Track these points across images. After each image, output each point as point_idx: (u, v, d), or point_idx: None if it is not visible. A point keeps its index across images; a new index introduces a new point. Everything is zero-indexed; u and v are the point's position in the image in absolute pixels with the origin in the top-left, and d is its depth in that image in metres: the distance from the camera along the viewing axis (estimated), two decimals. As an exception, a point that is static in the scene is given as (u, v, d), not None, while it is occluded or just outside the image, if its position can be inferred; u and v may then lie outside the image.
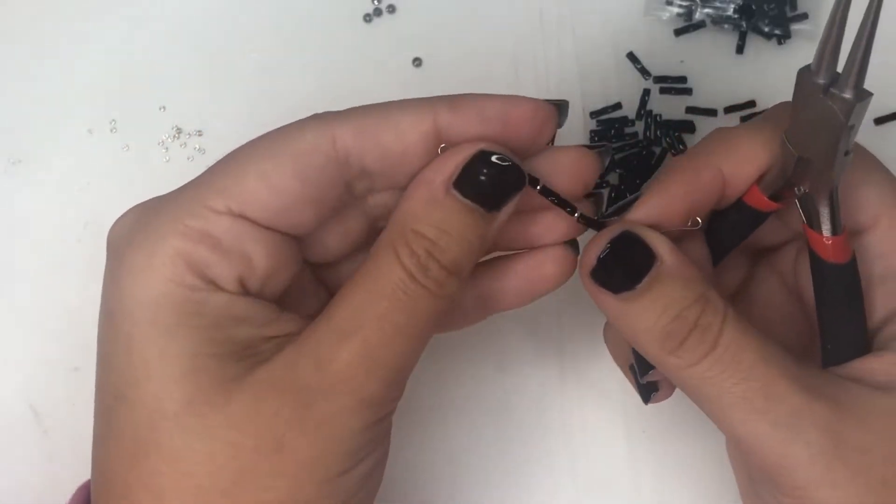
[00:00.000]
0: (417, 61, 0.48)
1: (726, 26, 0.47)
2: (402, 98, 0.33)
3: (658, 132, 0.46)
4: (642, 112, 0.47)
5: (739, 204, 0.34)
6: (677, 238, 0.32)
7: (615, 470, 0.42)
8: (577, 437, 0.43)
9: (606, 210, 0.34)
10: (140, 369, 0.29)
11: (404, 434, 0.43)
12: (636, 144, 0.46)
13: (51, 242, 0.46)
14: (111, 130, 0.48)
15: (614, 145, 0.46)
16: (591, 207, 0.34)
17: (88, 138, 0.48)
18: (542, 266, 0.34)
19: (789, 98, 0.34)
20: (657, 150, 0.46)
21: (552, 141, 0.33)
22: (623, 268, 0.31)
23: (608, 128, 0.46)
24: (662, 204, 0.33)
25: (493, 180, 0.31)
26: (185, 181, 0.32)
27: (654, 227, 0.32)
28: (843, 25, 0.28)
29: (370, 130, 0.31)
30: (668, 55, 0.48)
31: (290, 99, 0.46)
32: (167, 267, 0.29)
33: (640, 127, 0.47)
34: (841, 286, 0.33)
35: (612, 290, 0.31)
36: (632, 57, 0.47)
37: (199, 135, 0.47)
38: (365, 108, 0.32)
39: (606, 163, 0.34)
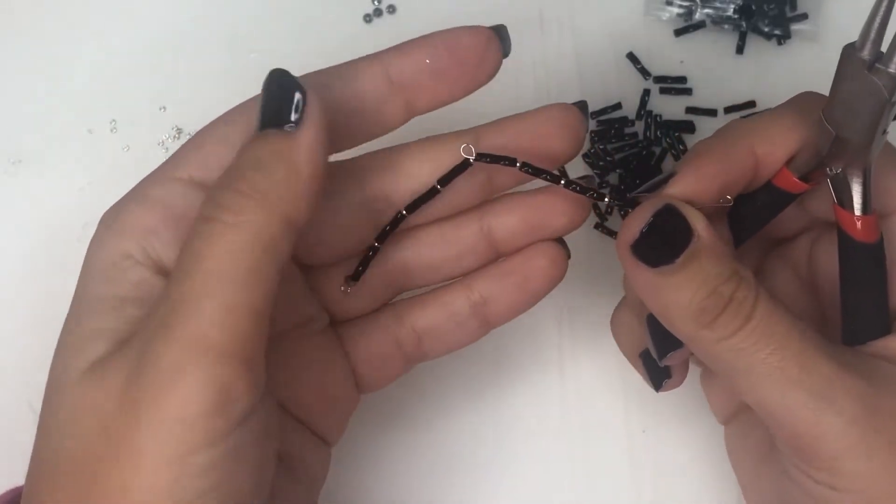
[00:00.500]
0: (417, 61, 0.48)
1: (726, 26, 0.47)
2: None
3: (658, 132, 0.46)
4: (642, 112, 0.47)
5: (768, 185, 0.34)
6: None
7: (615, 470, 0.42)
8: (577, 437, 0.43)
9: (635, 191, 0.35)
10: (61, 341, 0.30)
11: (402, 435, 0.43)
12: (636, 144, 0.46)
13: (51, 242, 0.46)
14: (111, 130, 0.48)
15: (614, 145, 0.46)
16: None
17: (88, 138, 0.48)
18: (533, 259, 0.35)
19: (789, 98, 0.34)
20: (657, 150, 0.46)
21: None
22: (663, 242, 0.31)
23: (608, 128, 0.46)
24: (698, 182, 0.32)
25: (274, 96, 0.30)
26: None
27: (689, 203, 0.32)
28: (892, 2, 0.28)
29: (322, 81, 0.32)
30: (668, 55, 0.48)
31: (290, 99, 0.46)
32: (115, 234, 0.30)
33: (640, 127, 0.47)
34: (868, 266, 0.33)
35: (651, 263, 0.31)
36: (632, 57, 0.47)
37: (199, 135, 0.47)
38: (321, 70, 0.32)
39: (588, 119, 0.35)
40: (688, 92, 0.47)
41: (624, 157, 0.46)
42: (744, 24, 0.47)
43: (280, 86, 0.30)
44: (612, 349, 0.38)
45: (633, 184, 0.45)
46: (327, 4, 0.49)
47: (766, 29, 0.47)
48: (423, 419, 0.43)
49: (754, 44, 0.47)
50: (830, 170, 0.32)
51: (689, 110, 0.47)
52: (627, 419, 0.43)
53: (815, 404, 0.29)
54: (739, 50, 0.47)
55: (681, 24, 0.48)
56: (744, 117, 0.46)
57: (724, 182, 0.33)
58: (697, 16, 0.48)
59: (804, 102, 0.34)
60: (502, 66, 0.33)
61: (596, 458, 0.43)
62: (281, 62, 0.48)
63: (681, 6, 0.48)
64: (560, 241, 0.36)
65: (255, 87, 0.31)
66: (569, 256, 0.36)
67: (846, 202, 0.32)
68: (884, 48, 0.29)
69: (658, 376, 0.35)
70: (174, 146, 0.47)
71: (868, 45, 0.29)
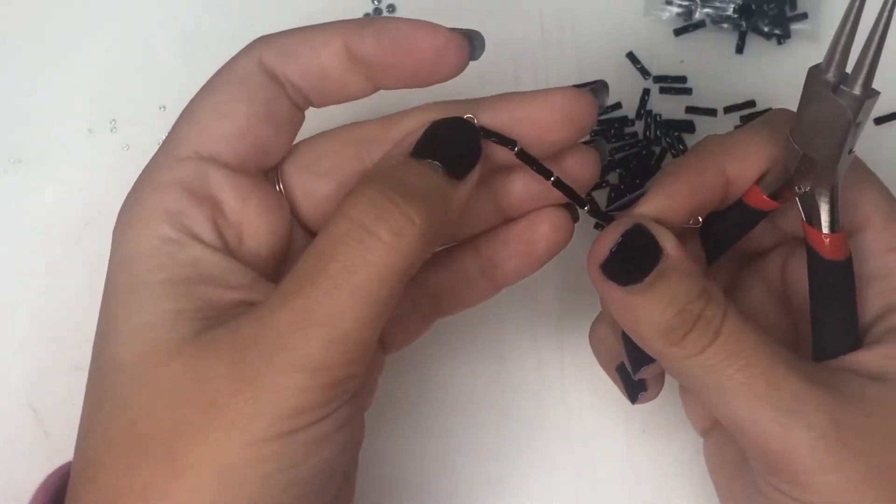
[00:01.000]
0: (417, 61, 0.48)
1: (726, 26, 0.47)
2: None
3: (658, 132, 0.46)
4: (642, 112, 0.47)
5: (738, 203, 0.34)
6: (676, 236, 0.33)
7: (615, 470, 0.42)
8: (576, 437, 0.43)
9: (609, 206, 0.35)
10: (109, 324, 0.30)
11: (402, 433, 0.43)
12: (636, 144, 0.46)
13: (51, 242, 0.46)
14: (111, 130, 0.48)
15: (613, 145, 0.46)
16: (590, 156, 0.35)
17: (88, 138, 0.48)
18: (538, 225, 0.35)
19: (789, 97, 0.34)
20: (657, 149, 0.46)
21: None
22: (632, 261, 0.31)
23: (608, 127, 0.46)
24: (668, 201, 0.33)
25: (452, 144, 0.31)
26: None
27: (659, 223, 0.32)
28: (855, 25, 0.29)
29: (290, 48, 0.32)
30: (667, 55, 0.48)
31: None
32: (142, 223, 0.30)
33: (639, 127, 0.47)
34: (837, 283, 0.33)
35: (620, 282, 0.31)
36: (632, 57, 0.47)
37: (199, 135, 0.47)
38: (289, 30, 0.33)
39: (605, 102, 0.34)
40: (687, 92, 0.47)
41: (624, 157, 0.46)
42: (743, 23, 0.47)
43: (468, 138, 0.32)
44: (612, 349, 0.38)
45: (633, 183, 0.45)
46: (328, 4, 0.49)
47: (766, 28, 0.47)
48: (424, 419, 0.43)
49: (754, 43, 0.47)
50: (799, 188, 0.32)
51: (689, 110, 0.47)
52: (627, 420, 0.43)
53: (784, 419, 0.29)
54: (739, 49, 0.47)
55: (680, 23, 0.48)
56: (744, 118, 0.46)
57: (694, 201, 0.33)
58: (697, 15, 0.48)
59: (775, 121, 0.34)
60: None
61: (596, 459, 0.43)
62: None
63: (681, 6, 0.48)
64: (568, 205, 0.35)
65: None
66: (576, 220, 0.36)
67: (814, 220, 0.32)
68: (849, 70, 0.29)
69: (633, 389, 0.36)
70: (174, 146, 0.47)
71: (833, 68, 0.30)
